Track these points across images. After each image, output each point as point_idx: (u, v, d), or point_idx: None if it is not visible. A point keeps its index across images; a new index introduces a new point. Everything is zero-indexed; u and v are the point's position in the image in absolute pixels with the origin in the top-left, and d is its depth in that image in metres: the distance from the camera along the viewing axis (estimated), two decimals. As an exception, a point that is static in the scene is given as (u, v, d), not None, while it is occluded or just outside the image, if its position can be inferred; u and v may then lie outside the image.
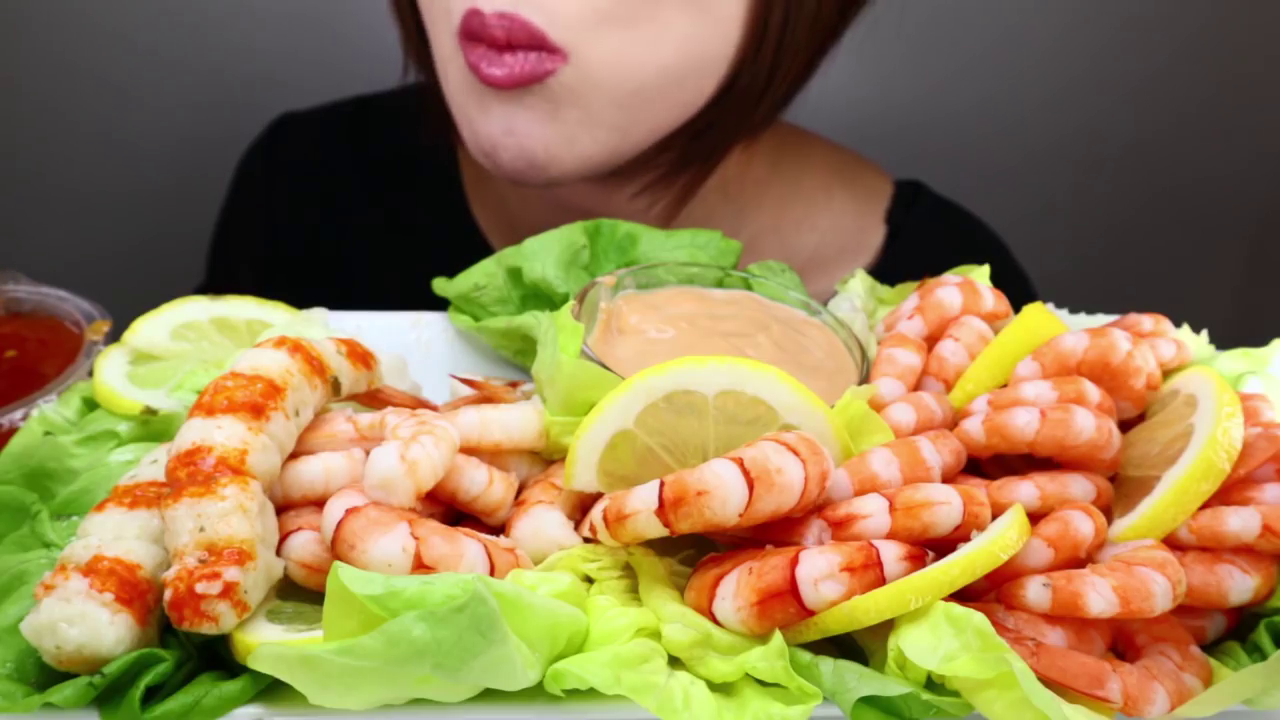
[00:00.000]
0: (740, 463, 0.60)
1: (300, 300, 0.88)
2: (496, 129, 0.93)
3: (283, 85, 1.52)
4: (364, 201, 1.25)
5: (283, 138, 1.31)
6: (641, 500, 0.61)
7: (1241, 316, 1.87)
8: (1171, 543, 0.63)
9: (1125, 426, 0.71)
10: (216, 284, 1.31)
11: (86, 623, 0.56)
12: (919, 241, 1.16)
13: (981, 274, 0.85)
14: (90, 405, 0.76)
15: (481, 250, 1.18)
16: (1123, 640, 0.62)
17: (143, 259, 1.72)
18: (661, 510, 0.60)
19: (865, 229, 1.17)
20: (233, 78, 1.69)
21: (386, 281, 1.07)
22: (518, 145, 0.93)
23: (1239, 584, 0.62)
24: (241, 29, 1.66)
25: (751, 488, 0.59)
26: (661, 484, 0.60)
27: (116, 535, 0.61)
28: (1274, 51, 1.71)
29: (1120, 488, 0.68)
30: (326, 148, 1.28)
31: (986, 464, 0.72)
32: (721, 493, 0.59)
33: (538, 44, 0.88)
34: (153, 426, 0.73)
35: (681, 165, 1.03)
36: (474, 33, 0.89)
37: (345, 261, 1.24)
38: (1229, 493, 0.64)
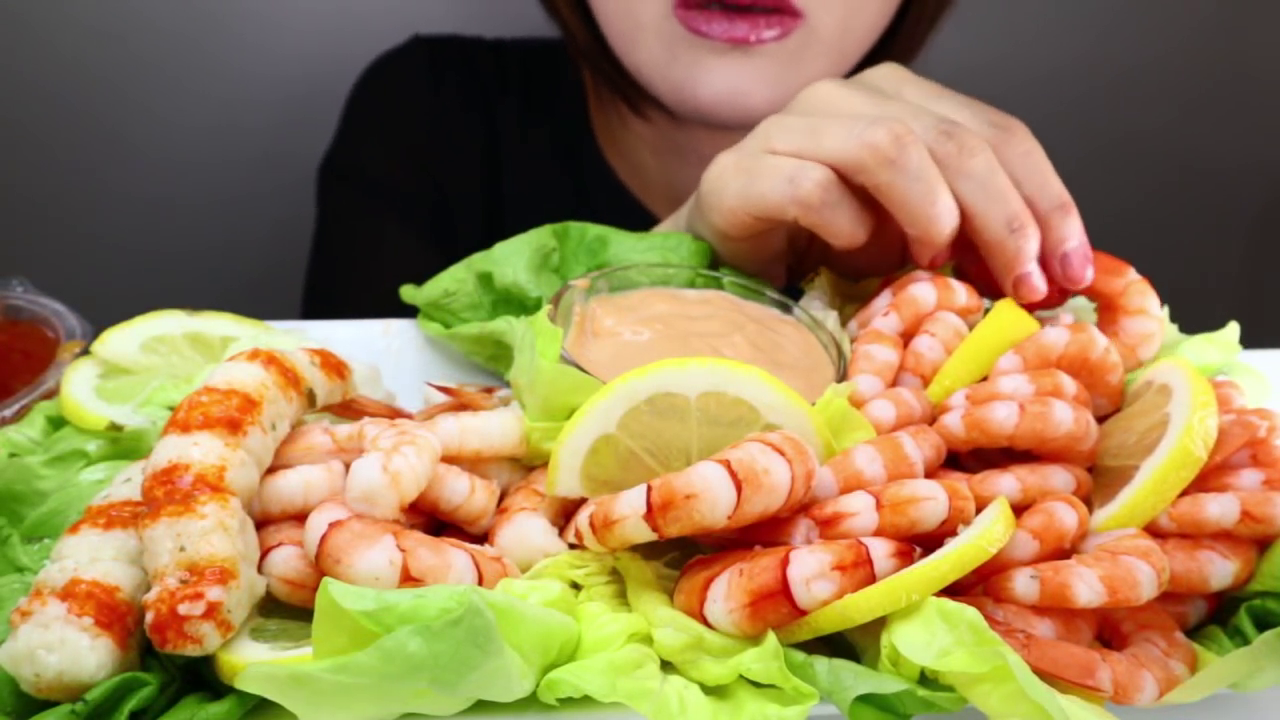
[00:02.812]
0: (727, 464, 0.60)
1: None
2: (720, 88, 1.03)
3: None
4: (509, 136, 1.31)
5: (418, 57, 1.33)
6: (629, 505, 0.60)
7: (1245, 305, 1.89)
8: (1152, 531, 0.64)
9: (1102, 421, 0.72)
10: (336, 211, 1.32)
11: (66, 649, 0.55)
12: None
13: (946, 268, 0.85)
14: (55, 425, 0.74)
15: (620, 195, 1.29)
16: (1109, 629, 0.63)
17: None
18: (649, 515, 0.60)
19: None
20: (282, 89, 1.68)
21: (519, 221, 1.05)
22: (744, 105, 1.02)
23: (1219, 569, 0.63)
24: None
25: (739, 489, 0.59)
26: (649, 488, 0.60)
27: (93, 557, 0.59)
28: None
29: (1099, 478, 0.69)
30: (471, 75, 1.31)
31: (965, 458, 0.72)
32: (709, 495, 0.59)
33: (779, 4, 0.97)
34: (122, 444, 0.71)
35: None
36: None
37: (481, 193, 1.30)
38: (1206, 480, 0.65)
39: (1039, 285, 0.77)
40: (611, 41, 1.11)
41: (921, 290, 0.79)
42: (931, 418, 0.73)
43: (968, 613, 0.55)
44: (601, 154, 1.30)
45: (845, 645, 0.61)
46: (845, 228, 0.78)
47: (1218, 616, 0.65)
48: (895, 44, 1.13)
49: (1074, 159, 1.75)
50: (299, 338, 0.81)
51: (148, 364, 0.76)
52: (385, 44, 1.36)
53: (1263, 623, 0.62)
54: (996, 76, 1.69)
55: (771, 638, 0.58)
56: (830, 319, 0.83)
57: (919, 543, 0.61)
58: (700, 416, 0.65)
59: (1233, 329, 0.83)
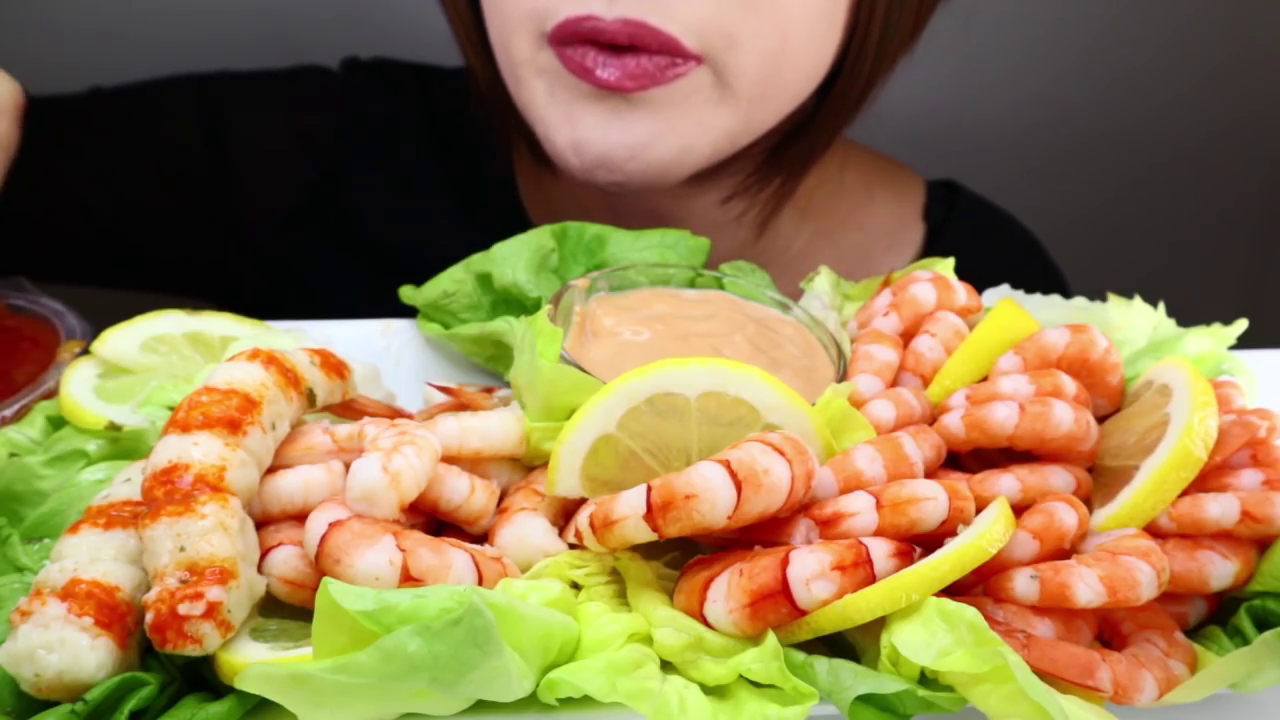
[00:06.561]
0: (727, 465, 0.60)
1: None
2: (594, 144, 0.90)
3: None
4: (424, 168, 1.18)
5: (352, 78, 1.21)
6: (629, 505, 0.60)
7: (1245, 305, 1.88)
8: (1152, 531, 0.64)
9: (1102, 421, 0.72)
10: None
11: (66, 648, 0.55)
12: (959, 239, 1.18)
13: (946, 266, 0.85)
14: (55, 425, 0.74)
15: None
16: (1109, 629, 0.63)
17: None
18: (649, 515, 0.60)
19: (905, 226, 1.20)
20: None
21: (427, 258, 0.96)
22: (622, 167, 0.90)
23: (1219, 569, 0.63)
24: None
25: (739, 489, 0.59)
26: (649, 488, 0.60)
27: (93, 557, 0.59)
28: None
29: (1099, 478, 0.69)
30: (394, 101, 1.20)
31: (965, 458, 0.72)
32: (710, 495, 0.59)
33: (669, 49, 0.85)
34: (122, 444, 0.71)
35: (773, 170, 1.02)
36: (583, 36, 0.85)
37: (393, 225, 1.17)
38: (1206, 480, 0.65)
39: None
40: (504, 79, 0.97)
41: (921, 290, 0.79)
42: (931, 418, 0.73)
43: (968, 613, 0.55)
44: (520, 202, 1.17)
45: (845, 645, 0.61)
46: None
47: (1218, 616, 0.66)
48: (832, 92, 0.97)
49: (1074, 159, 1.76)
50: (299, 338, 0.81)
51: (147, 364, 0.76)
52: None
53: (1263, 623, 0.63)
54: (996, 69, 1.69)
55: (771, 638, 0.58)
56: (830, 319, 0.83)
57: (919, 543, 0.61)
58: (700, 416, 0.65)
59: (1239, 325, 0.83)
